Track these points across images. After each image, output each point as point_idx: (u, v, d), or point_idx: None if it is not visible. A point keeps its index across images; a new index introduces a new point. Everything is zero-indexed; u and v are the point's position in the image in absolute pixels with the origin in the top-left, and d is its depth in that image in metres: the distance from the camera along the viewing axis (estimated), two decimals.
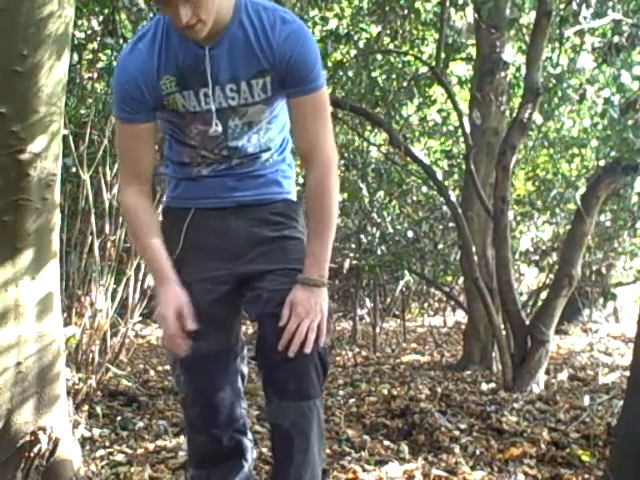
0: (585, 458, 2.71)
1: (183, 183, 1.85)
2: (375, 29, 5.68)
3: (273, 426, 1.79)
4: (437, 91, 6.27)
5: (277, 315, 1.70)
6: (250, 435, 1.91)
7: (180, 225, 1.82)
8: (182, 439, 2.90)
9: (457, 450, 2.79)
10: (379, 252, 6.19)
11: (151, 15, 3.99)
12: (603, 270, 7.73)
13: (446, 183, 5.47)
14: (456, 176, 6.53)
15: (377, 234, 6.35)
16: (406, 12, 5.20)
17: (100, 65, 4.52)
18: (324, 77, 1.74)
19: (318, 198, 1.74)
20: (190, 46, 1.64)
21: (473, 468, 2.62)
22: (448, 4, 4.78)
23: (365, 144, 6.41)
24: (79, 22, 4.18)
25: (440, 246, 6.85)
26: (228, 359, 1.84)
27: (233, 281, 1.81)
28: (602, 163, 4.66)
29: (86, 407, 3.03)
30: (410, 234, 6.53)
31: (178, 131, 1.79)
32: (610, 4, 4.57)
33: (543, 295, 5.24)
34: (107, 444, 2.85)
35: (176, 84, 1.68)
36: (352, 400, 3.72)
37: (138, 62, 1.67)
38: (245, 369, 1.92)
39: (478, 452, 2.79)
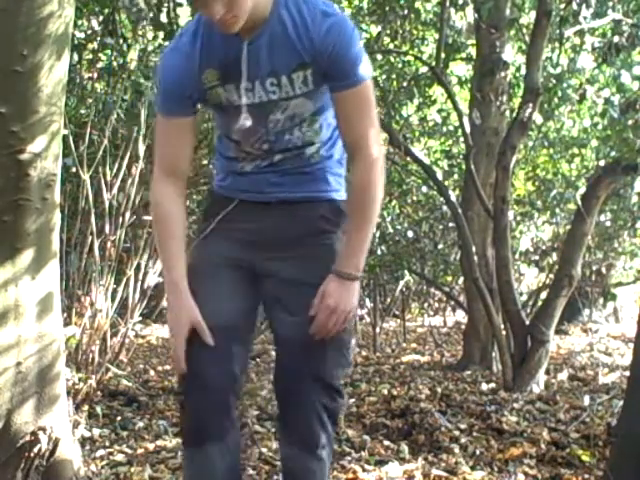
0: (585, 458, 2.71)
1: (231, 176, 1.86)
2: (375, 29, 5.68)
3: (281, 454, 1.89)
4: (437, 91, 6.27)
5: (292, 343, 1.74)
6: (237, 424, 1.83)
7: (219, 210, 1.83)
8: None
9: (457, 450, 2.79)
10: (379, 252, 6.18)
11: (151, 15, 3.99)
12: (603, 270, 7.73)
13: (446, 183, 5.47)
14: (456, 176, 6.53)
15: (377, 234, 6.35)
16: (406, 12, 5.20)
17: (100, 65, 4.51)
18: (369, 70, 1.71)
19: (362, 193, 1.73)
20: (231, 40, 1.65)
21: (473, 468, 2.62)
22: (448, 4, 4.78)
23: None
24: (79, 22, 4.18)
25: (440, 246, 6.85)
26: (233, 337, 1.75)
27: (247, 268, 1.79)
28: (602, 163, 4.66)
29: (86, 407, 3.03)
30: (410, 234, 6.53)
31: (223, 125, 1.81)
32: (610, 4, 4.57)
33: (543, 295, 5.24)
34: (107, 444, 2.84)
35: (217, 78, 1.69)
36: (352, 400, 3.72)
37: (180, 57, 1.69)
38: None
39: (478, 452, 2.79)
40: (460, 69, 6.68)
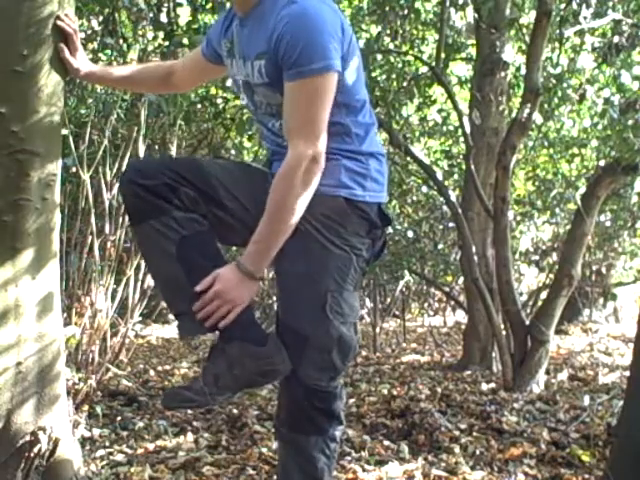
0: (585, 458, 2.71)
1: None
2: (375, 29, 5.67)
3: None
4: (437, 91, 6.27)
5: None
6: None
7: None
8: (182, 439, 2.90)
9: (457, 450, 2.79)
10: None
11: (151, 15, 3.99)
12: (603, 270, 7.73)
13: (446, 183, 5.46)
14: (456, 176, 6.54)
15: None
16: (406, 12, 5.20)
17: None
18: (320, 65, 1.57)
19: (275, 188, 1.62)
20: (235, 17, 1.78)
21: (473, 468, 2.62)
22: (448, 4, 4.77)
23: None
24: (79, 22, 4.17)
25: (440, 246, 6.85)
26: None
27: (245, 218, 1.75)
28: (602, 163, 4.66)
29: (86, 407, 3.03)
30: (410, 234, 6.53)
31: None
32: (610, 4, 4.56)
33: (543, 295, 5.24)
34: (107, 444, 2.84)
35: (228, 49, 1.82)
36: (352, 400, 3.72)
37: (222, 19, 1.87)
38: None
39: (478, 452, 2.79)
40: (460, 69, 6.68)
